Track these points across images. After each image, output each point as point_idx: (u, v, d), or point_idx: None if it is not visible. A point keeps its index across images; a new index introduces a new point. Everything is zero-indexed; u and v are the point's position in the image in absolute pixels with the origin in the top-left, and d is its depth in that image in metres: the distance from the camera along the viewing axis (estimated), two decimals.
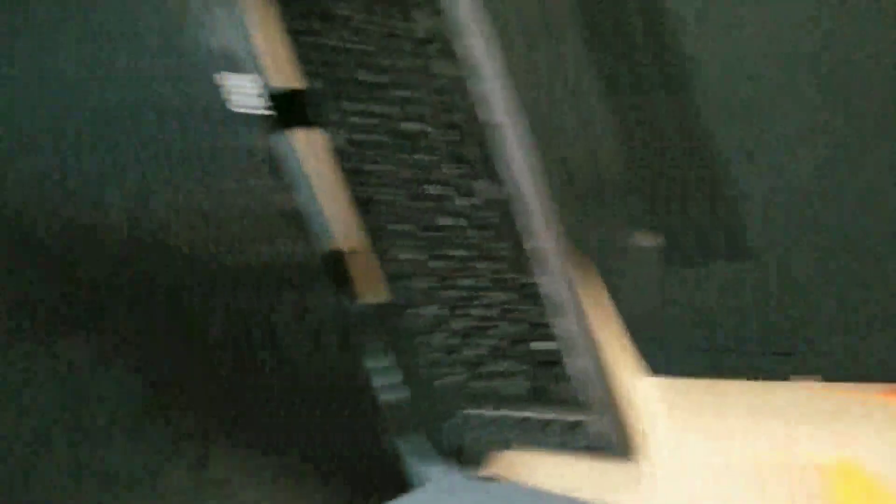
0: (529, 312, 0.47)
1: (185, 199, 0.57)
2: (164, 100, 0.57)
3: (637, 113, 0.40)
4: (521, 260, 0.47)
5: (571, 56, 0.41)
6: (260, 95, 0.59)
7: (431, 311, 0.56)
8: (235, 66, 0.59)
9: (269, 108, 0.60)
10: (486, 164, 0.47)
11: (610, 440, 0.46)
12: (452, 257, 0.52)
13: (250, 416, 0.57)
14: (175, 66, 0.58)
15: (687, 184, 0.40)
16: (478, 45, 0.44)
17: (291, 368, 0.59)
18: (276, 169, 0.60)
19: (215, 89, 0.59)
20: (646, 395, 0.45)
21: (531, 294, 0.47)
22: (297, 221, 0.60)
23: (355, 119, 0.56)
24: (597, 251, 0.45)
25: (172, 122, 0.57)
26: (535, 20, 0.43)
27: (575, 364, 0.46)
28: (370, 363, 0.61)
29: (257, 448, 0.57)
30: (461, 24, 0.44)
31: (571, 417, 0.48)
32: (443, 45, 0.46)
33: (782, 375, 0.40)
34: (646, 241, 0.41)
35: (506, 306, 0.49)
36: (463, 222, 0.50)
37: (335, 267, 0.61)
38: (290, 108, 0.60)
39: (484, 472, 0.59)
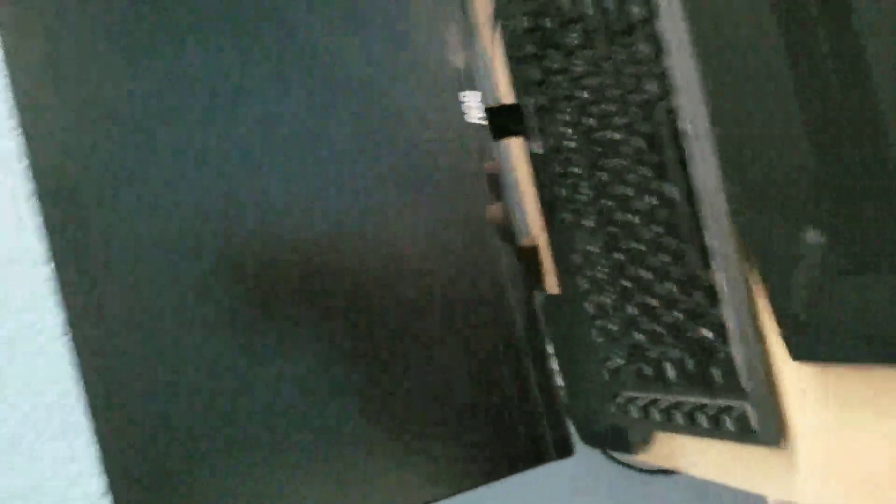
0: (696, 301, 0.51)
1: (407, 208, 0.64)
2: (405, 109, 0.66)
3: (826, 111, 0.41)
4: (692, 253, 0.51)
5: (764, 55, 0.42)
6: (483, 109, 0.68)
7: (601, 299, 0.61)
8: (469, 83, 0.68)
9: (486, 120, 0.68)
10: (671, 168, 0.53)
11: (765, 427, 0.49)
12: (627, 250, 0.58)
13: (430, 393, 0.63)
14: (416, 79, 0.67)
15: (867, 189, 0.40)
16: (681, 64, 0.51)
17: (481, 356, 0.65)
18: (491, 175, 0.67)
19: (453, 103, 0.67)
20: (799, 384, 0.46)
21: (699, 284, 0.51)
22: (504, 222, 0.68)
23: (559, 129, 0.63)
24: (762, 243, 0.47)
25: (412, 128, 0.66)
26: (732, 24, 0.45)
27: (736, 351, 0.50)
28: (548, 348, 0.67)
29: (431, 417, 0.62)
30: (667, 42, 0.51)
31: (725, 403, 0.51)
32: (649, 66, 0.53)
33: None
34: (813, 238, 0.42)
35: (673, 296, 0.53)
36: (642, 219, 0.56)
37: (528, 261, 0.68)
38: (503, 121, 0.69)
39: (635, 456, 0.63)
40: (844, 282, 0.41)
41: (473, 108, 0.69)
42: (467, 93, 0.68)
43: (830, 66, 0.38)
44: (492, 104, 0.70)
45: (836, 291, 0.41)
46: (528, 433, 0.67)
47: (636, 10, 0.54)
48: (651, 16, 0.53)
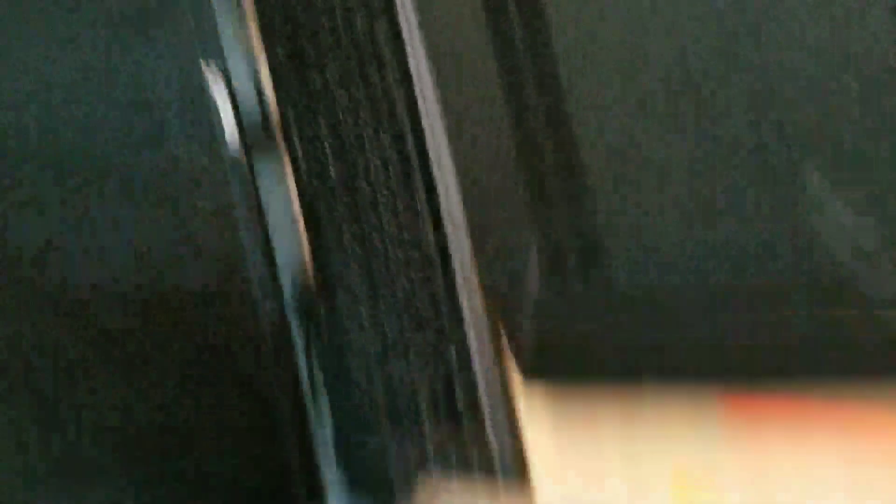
0: (442, 324, 0.54)
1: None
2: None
3: (532, 140, 0.47)
4: (437, 278, 0.54)
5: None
6: (240, 125, 0.67)
7: (357, 328, 0.63)
8: (234, 98, 0.67)
9: (246, 138, 0.67)
10: (422, 209, 0.55)
11: (505, 462, 0.51)
12: (379, 271, 0.59)
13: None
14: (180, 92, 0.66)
15: (566, 210, 0.45)
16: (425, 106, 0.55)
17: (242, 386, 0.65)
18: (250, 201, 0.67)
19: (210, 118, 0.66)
20: (528, 405, 0.48)
21: (444, 305, 0.54)
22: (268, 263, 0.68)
23: (321, 156, 0.64)
24: (491, 266, 0.51)
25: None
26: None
27: (475, 386, 0.52)
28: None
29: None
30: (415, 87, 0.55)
31: (471, 435, 0.53)
32: (390, 105, 0.56)
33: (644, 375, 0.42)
34: (532, 256, 0.46)
35: (421, 316, 0.55)
36: (397, 253, 0.57)
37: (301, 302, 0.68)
38: (263, 139, 0.69)
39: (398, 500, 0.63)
40: (561, 300, 0.45)
41: (229, 121, 0.66)
42: (224, 105, 0.66)
43: (538, 100, 0.45)
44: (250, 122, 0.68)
45: (555, 309, 0.45)
46: (276, 476, 0.65)
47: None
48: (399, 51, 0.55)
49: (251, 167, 0.67)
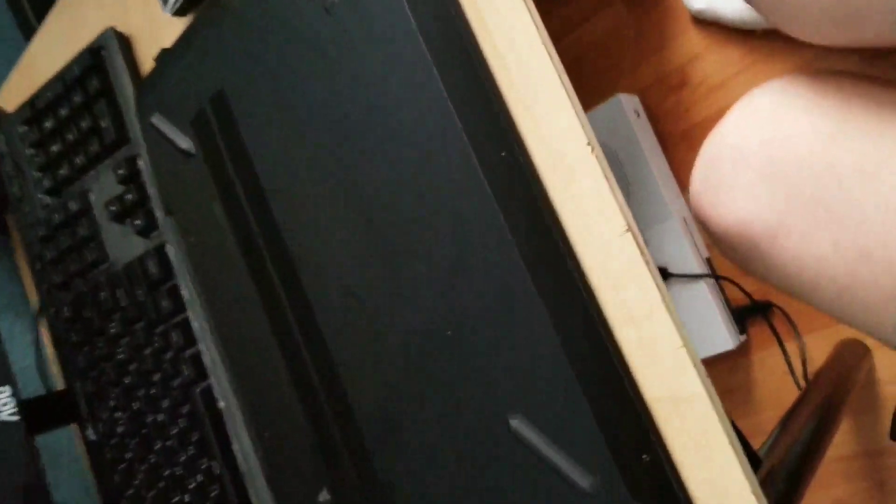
0: None
1: None
2: None
3: (312, 396, 0.52)
4: None
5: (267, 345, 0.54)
6: (14, 403, 0.66)
7: None
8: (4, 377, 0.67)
9: (21, 415, 0.66)
10: (213, 446, 0.59)
11: None
12: None
13: None
14: None
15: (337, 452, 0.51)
16: (209, 350, 0.60)
17: None
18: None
19: None
20: None
21: None
22: None
23: (109, 415, 0.66)
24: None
25: None
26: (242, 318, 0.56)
27: None
28: None
29: None
30: (196, 331, 0.60)
31: None
32: (177, 352, 0.60)
33: None
34: (323, 497, 0.51)
35: None
36: (195, 498, 0.60)
37: None
38: (50, 411, 0.69)
39: None
40: None
41: (6, 402, 0.66)
42: None
43: (313, 366, 0.50)
44: (28, 397, 0.68)
45: None
46: None
47: (165, 304, 0.60)
48: (179, 309, 0.60)
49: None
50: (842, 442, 0.96)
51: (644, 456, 0.36)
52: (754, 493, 0.34)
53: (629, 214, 0.38)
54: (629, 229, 0.37)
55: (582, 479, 0.38)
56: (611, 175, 0.39)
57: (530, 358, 0.39)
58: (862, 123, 0.39)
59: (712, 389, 0.35)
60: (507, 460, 0.40)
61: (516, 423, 0.40)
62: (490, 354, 0.40)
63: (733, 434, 0.35)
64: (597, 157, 0.39)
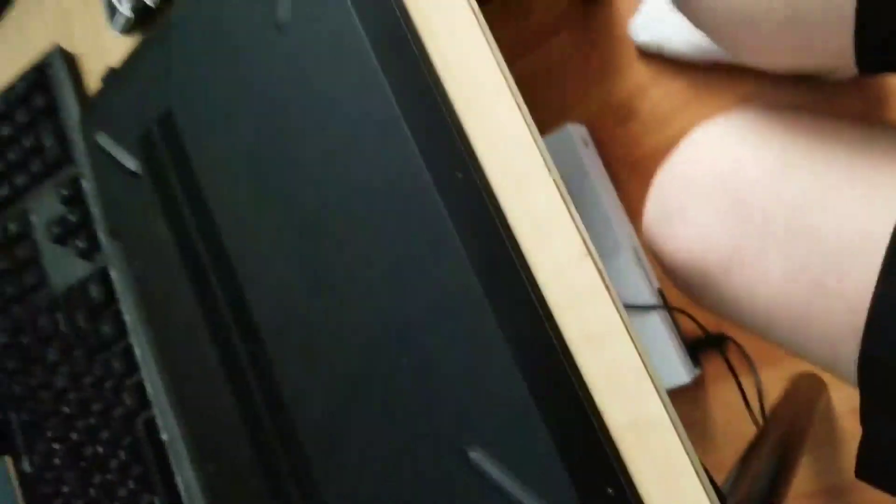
0: None
1: None
2: None
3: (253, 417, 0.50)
4: None
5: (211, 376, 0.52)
6: None
7: None
8: None
9: None
10: (155, 480, 0.56)
11: None
12: None
13: None
14: None
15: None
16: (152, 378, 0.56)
17: None
18: None
19: None
20: None
21: None
22: None
23: (46, 447, 0.64)
24: None
25: None
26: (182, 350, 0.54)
27: None
28: None
29: None
30: (138, 358, 0.58)
31: None
32: (124, 381, 0.58)
33: None
34: None
35: None
36: None
37: None
38: None
39: None
40: None
41: None
42: None
43: (260, 395, 0.49)
44: None
45: None
46: None
47: (107, 330, 0.58)
48: (121, 336, 0.58)
49: None
50: (802, 478, 0.96)
51: (609, 490, 0.34)
52: None
53: (587, 236, 0.37)
54: (587, 251, 0.36)
55: None
56: (568, 196, 0.38)
57: (488, 386, 0.38)
58: (809, 154, 0.39)
59: (675, 414, 0.34)
60: (465, 494, 0.38)
61: (476, 455, 0.38)
62: (445, 381, 0.39)
63: (698, 461, 0.34)
64: (554, 179, 0.38)
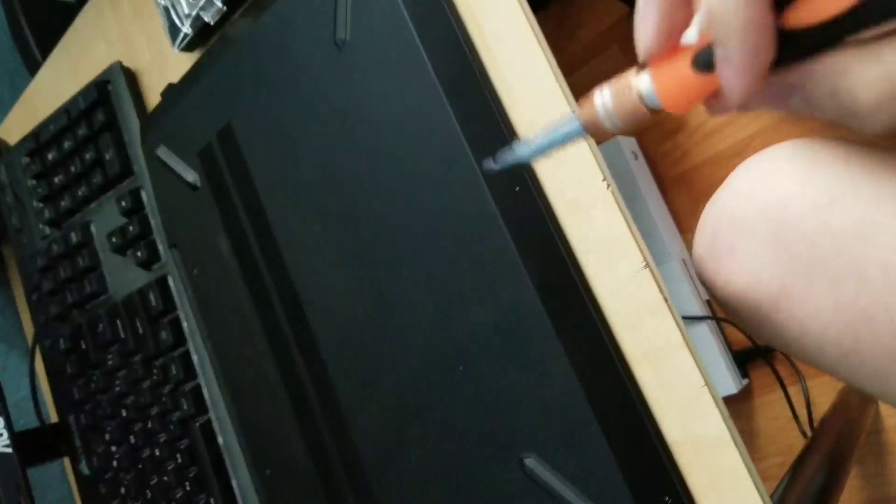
0: None
1: None
2: None
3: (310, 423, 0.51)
4: None
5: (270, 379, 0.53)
6: (7, 435, 0.65)
7: None
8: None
9: (15, 447, 0.64)
10: (212, 482, 0.57)
11: None
12: None
13: None
14: None
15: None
16: (210, 384, 0.58)
17: None
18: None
19: None
20: None
21: None
22: None
23: (104, 449, 0.65)
24: None
25: None
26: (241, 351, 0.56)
27: None
28: None
29: None
30: (196, 365, 0.59)
31: None
32: (182, 386, 0.59)
33: None
34: None
35: None
36: None
37: None
38: (37, 445, 0.67)
39: None
40: None
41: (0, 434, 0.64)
42: None
43: (317, 401, 0.50)
44: (21, 429, 0.67)
45: None
46: None
47: (165, 336, 0.59)
48: (180, 342, 0.59)
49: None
50: (849, 490, 0.95)
51: (666, 499, 0.35)
52: None
53: (646, 250, 0.37)
54: (647, 265, 0.37)
55: None
56: (626, 210, 0.38)
57: (546, 395, 0.38)
58: (859, 188, 0.39)
59: (735, 431, 0.35)
60: (521, 501, 0.39)
61: (531, 462, 0.39)
62: (504, 391, 0.40)
63: (758, 478, 0.34)
64: (612, 192, 0.38)
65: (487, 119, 0.41)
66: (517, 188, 0.40)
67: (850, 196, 0.39)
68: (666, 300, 0.36)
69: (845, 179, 0.39)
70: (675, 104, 0.25)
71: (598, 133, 0.27)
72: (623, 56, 1.12)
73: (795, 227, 0.40)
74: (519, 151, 0.29)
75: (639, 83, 0.25)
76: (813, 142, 0.43)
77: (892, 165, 0.39)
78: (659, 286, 0.36)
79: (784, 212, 0.41)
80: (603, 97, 0.26)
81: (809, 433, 0.94)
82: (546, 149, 0.28)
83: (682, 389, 0.36)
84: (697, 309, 0.99)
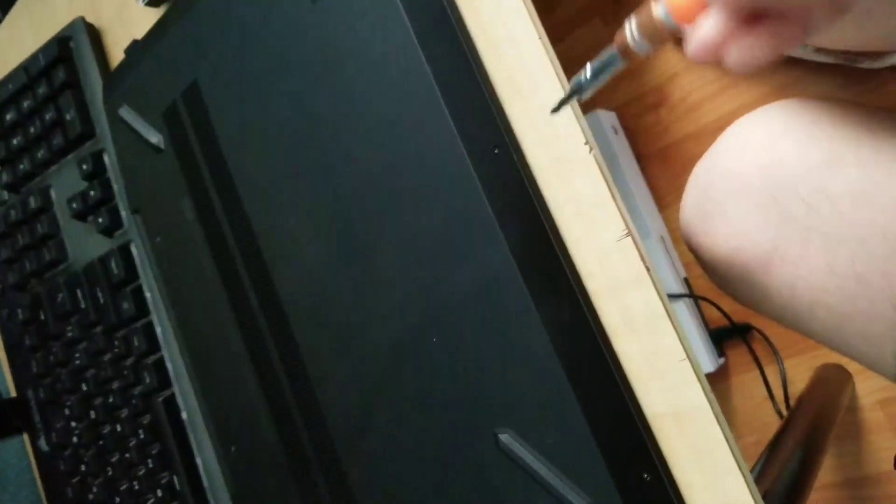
0: None
1: None
2: None
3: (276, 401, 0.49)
4: None
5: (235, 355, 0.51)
6: None
7: None
8: None
9: None
10: (174, 459, 0.55)
11: None
12: None
13: None
14: None
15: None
16: (174, 357, 0.56)
17: None
18: None
19: None
20: None
21: None
22: None
23: (63, 425, 0.62)
24: None
25: None
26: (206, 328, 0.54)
27: None
28: None
29: None
30: (160, 337, 0.57)
31: None
32: (139, 358, 0.57)
33: None
34: None
35: None
36: None
37: None
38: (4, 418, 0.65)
39: None
40: None
41: None
42: None
43: (285, 374, 0.48)
44: None
45: None
46: None
47: (127, 307, 0.56)
48: (143, 313, 0.56)
49: None
50: (825, 468, 0.95)
51: (645, 475, 0.33)
52: None
53: (628, 218, 0.36)
54: (629, 233, 0.35)
55: (577, 500, 0.35)
56: (609, 175, 0.36)
57: (522, 368, 0.36)
58: (855, 149, 0.38)
59: (716, 403, 0.33)
60: (496, 478, 0.37)
61: (506, 437, 0.37)
62: (478, 363, 0.38)
63: (738, 451, 0.33)
64: (595, 156, 0.36)
65: (468, 79, 0.38)
66: (495, 149, 0.38)
67: (848, 157, 0.37)
68: (648, 269, 0.35)
69: (844, 139, 0.38)
70: (685, 16, 0.30)
71: (631, 57, 0.32)
72: (605, 27, 1.10)
73: (791, 188, 0.39)
74: (575, 85, 0.33)
75: (657, 8, 0.30)
76: (810, 101, 0.42)
77: (890, 126, 0.38)
78: (641, 255, 0.35)
79: (780, 170, 0.39)
80: (630, 25, 0.31)
81: (785, 412, 0.94)
82: (596, 77, 0.32)
83: (662, 361, 0.34)
84: (675, 287, 0.98)
